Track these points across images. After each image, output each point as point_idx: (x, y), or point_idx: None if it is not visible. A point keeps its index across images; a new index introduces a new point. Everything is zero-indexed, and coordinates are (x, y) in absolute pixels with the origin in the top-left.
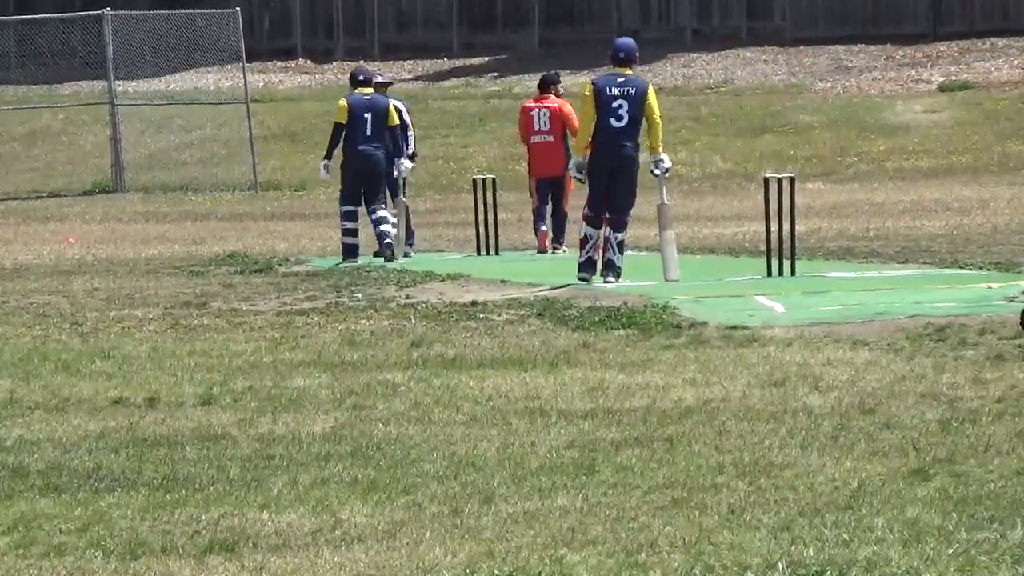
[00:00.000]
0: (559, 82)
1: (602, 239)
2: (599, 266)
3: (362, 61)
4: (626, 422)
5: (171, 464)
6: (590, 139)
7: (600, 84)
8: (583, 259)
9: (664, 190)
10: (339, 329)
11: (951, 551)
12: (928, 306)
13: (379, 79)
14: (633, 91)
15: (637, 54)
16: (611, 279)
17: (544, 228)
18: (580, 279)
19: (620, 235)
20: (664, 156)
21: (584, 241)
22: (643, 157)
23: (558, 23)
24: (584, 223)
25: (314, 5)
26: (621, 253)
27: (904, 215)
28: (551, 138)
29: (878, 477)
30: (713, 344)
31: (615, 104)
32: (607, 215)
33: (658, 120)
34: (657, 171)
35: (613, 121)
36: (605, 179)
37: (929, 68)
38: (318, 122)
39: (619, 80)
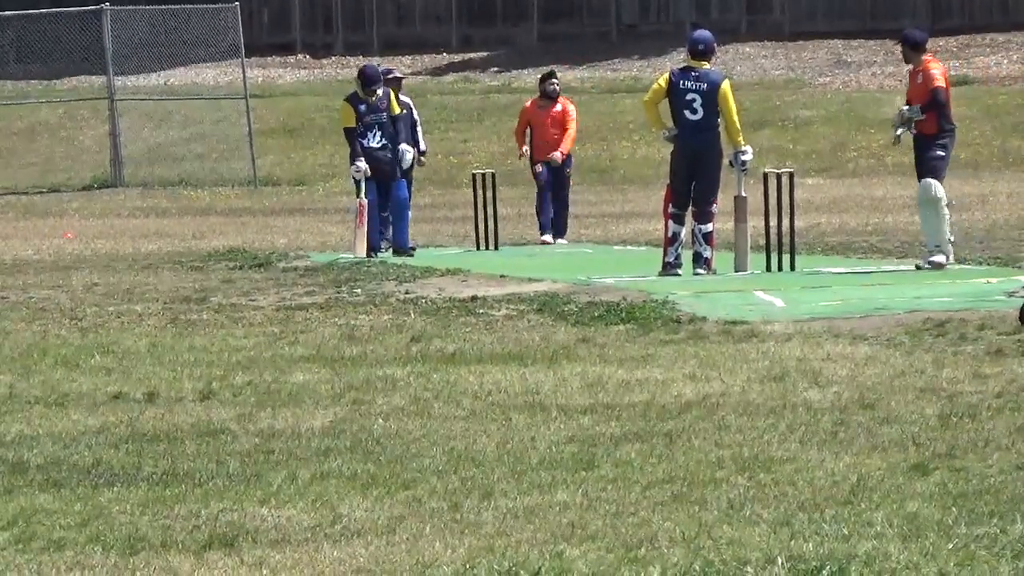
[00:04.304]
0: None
1: (688, 235)
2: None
3: (361, 56)
4: (625, 417)
5: (171, 459)
6: (655, 117)
7: (675, 77)
8: (672, 258)
9: (742, 183)
10: (338, 324)
11: (951, 546)
12: (927, 301)
13: (395, 75)
14: (705, 86)
15: (715, 45)
16: (701, 271)
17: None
18: (670, 275)
19: (705, 226)
20: (746, 148)
21: (672, 240)
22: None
23: (557, 17)
24: (671, 222)
25: (313, 0)
26: (708, 244)
27: (903, 210)
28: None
29: (878, 472)
30: (712, 339)
31: (688, 98)
32: (692, 207)
33: (733, 116)
34: (735, 164)
35: (688, 114)
36: (686, 171)
37: None
38: (317, 117)
39: (693, 74)
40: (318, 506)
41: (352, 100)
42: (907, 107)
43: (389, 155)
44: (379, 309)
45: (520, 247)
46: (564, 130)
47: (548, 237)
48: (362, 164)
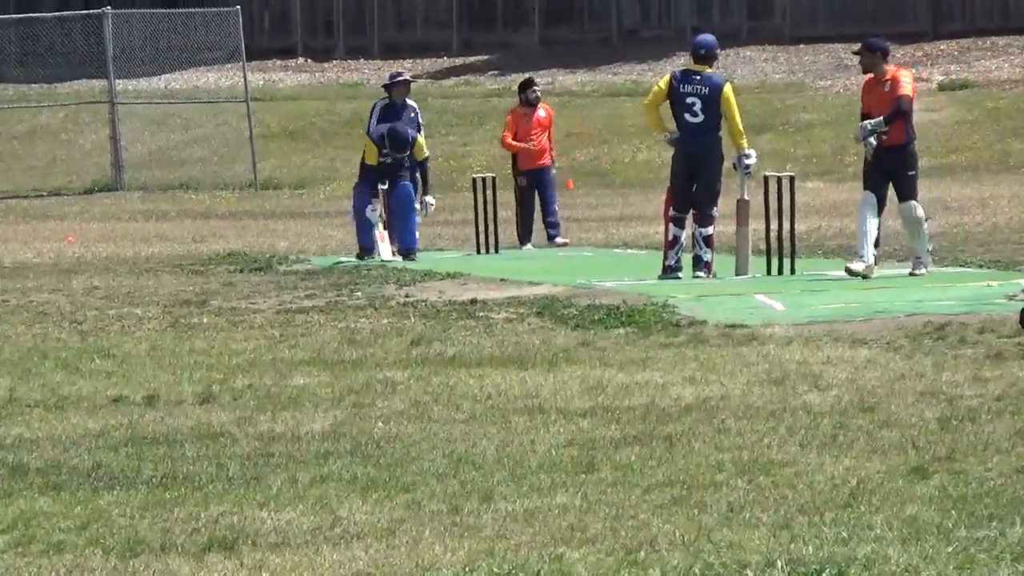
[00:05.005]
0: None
1: (689, 238)
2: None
3: (362, 60)
4: (625, 420)
5: (170, 462)
6: (655, 120)
7: (676, 80)
8: (672, 261)
9: (745, 186)
10: (339, 327)
11: (950, 549)
12: (928, 304)
13: (404, 77)
14: (707, 90)
15: (718, 50)
16: (700, 274)
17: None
18: (670, 278)
19: (705, 230)
20: (750, 152)
21: (673, 243)
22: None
23: (558, 22)
24: (671, 225)
25: (314, 3)
26: (708, 247)
27: None
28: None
29: (877, 475)
30: (712, 342)
31: (688, 101)
32: (692, 211)
33: (736, 119)
34: (739, 167)
35: (688, 117)
36: (686, 174)
37: (929, 67)
38: (318, 121)
39: (695, 77)
40: (318, 509)
41: (379, 141)
42: (869, 121)
43: (403, 160)
44: (379, 312)
45: (520, 251)
46: (548, 134)
47: (530, 246)
48: (378, 205)
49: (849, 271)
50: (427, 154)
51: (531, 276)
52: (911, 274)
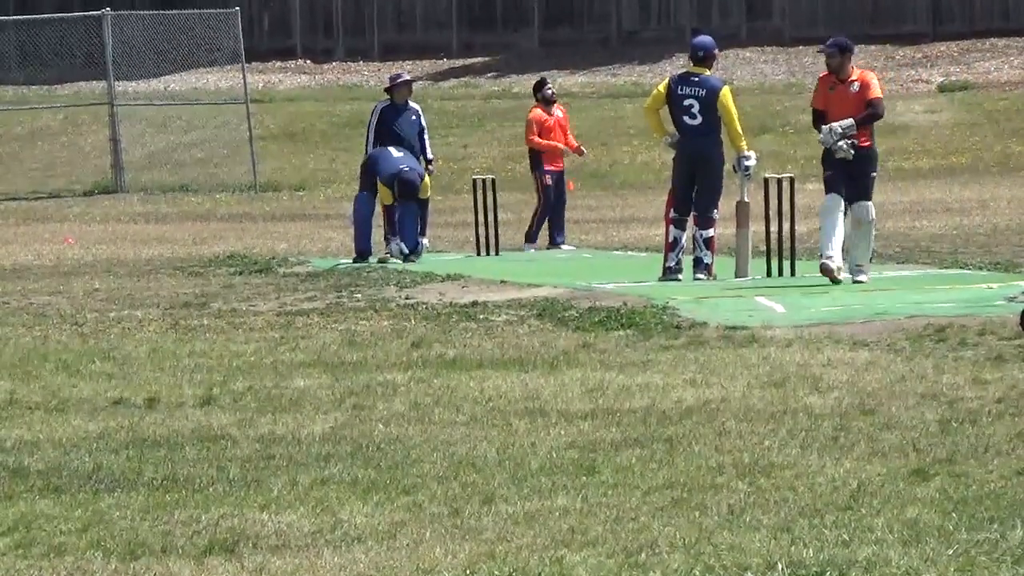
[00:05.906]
0: (541, 88)
1: (689, 240)
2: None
3: (362, 61)
4: (626, 423)
5: (171, 465)
6: (656, 123)
7: (674, 83)
8: (672, 263)
9: (745, 188)
10: (339, 330)
11: (951, 551)
12: (928, 306)
13: (404, 78)
14: (704, 92)
15: (716, 52)
16: (701, 276)
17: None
18: (670, 280)
19: (706, 232)
20: (749, 154)
21: (673, 245)
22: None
23: (558, 23)
24: (672, 226)
25: (314, 5)
26: (709, 249)
27: (904, 215)
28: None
29: (878, 477)
30: (713, 345)
31: (686, 103)
32: (693, 213)
33: (734, 122)
34: (738, 169)
35: (687, 119)
36: (687, 176)
37: (929, 68)
38: (318, 122)
39: (693, 80)
40: (318, 512)
41: (389, 184)
42: (840, 124)
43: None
44: (379, 314)
45: (521, 252)
46: (566, 133)
47: (531, 248)
48: (400, 246)
49: (829, 273)
50: (429, 194)
51: (531, 278)
52: (854, 280)
